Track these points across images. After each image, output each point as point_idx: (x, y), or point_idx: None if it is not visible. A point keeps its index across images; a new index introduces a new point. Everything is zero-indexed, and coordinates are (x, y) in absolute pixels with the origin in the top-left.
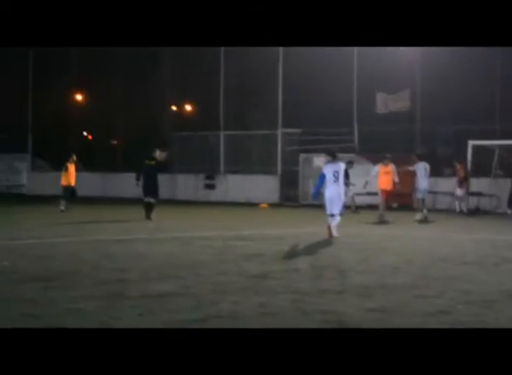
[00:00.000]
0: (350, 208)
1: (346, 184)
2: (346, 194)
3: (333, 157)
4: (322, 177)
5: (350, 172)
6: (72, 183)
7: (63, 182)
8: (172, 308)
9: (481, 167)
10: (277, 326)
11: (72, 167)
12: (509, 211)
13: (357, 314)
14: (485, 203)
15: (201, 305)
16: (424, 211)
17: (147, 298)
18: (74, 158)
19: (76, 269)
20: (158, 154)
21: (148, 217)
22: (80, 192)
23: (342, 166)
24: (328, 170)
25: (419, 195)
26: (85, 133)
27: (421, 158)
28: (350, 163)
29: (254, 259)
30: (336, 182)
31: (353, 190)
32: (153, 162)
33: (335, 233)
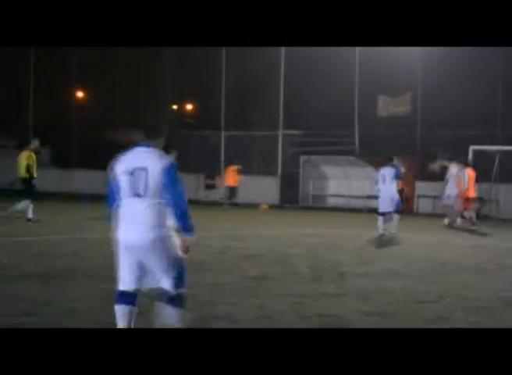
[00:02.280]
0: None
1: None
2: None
3: (390, 160)
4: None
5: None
6: None
7: None
8: None
9: (482, 172)
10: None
11: None
12: None
13: (356, 318)
14: (485, 208)
15: (199, 305)
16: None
17: (144, 297)
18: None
19: (75, 267)
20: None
21: None
22: (82, 190)
23: (391, 169)
24: (379, 173)
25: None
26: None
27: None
28: (237, 164)
29: (253, 260)
30: (384, 184)
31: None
32: None
33: (394, 230)
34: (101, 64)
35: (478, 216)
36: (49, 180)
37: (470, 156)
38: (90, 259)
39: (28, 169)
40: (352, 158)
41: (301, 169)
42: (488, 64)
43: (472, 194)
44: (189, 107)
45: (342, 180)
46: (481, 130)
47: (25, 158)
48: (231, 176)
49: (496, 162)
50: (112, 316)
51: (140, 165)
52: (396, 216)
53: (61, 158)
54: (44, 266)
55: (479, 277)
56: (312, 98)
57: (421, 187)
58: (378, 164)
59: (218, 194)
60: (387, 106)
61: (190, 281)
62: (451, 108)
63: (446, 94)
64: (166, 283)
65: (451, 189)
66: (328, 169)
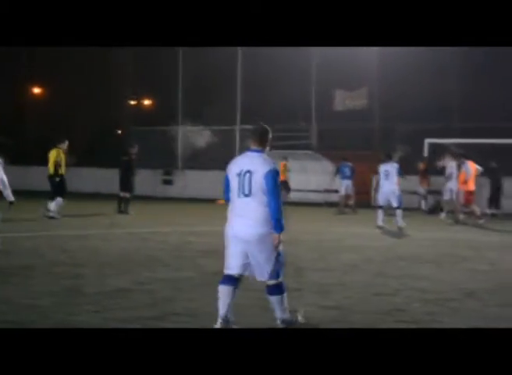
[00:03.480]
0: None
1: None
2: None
3: (389, 158)
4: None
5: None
6: None
7: None
8: (128, 305)
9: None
10: (236, 323)
11: None
12: (489, 211)
13: (315, 312)
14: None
15: (158, 302)
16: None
17: (104, 294)
18: None
19: (34, 264)
20: (134, 149)
21: (126, 212)
22: (39, 187)
23: (394, 165)
24: (381, 169)
25: (448, 196)
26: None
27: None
28: (284, 159)
29: (210, 256)
30: (387, 179)
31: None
32: (126, 158)
33: (402, 223)
34: (58, 59)
35: (436, 210)
36: (7, 176)
37: (425, 149)
38: (50, 256)
39: (56, 167)
40: (309, 152)
41: None
42: (444, 58)
43: (472, 187)
44: (147, 102)
45: (300, 174)
46: (437, 124)
47: (53, 156)
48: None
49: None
50: (74, 311)
51: (247, 168)
52: (399, 211)
53: (17, 155)
54: (1, 263)
55: (438, 270)
56: (269, 93)
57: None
58: (335, 158)
59: (175, 189)
60: (344, 100)
61: (148, 277)
62: (407, 102)
63: (403, 87)
64: (264, 275)
65: (452, 184)
66: (286, 164)
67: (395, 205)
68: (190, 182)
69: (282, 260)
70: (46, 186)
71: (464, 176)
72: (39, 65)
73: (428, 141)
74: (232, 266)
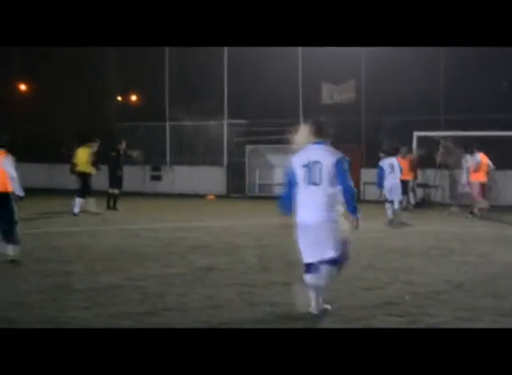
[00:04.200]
0: None
1: None
2: None
3: (387, 154)
4: (381, 170)
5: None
6: None
7: None
8: (118, 301)
9: (426, 158)
10: (224, 318)
11: None
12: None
13: (305, 305)
14: (430, 194)
15: (148, 297)
16: (457, 206)
17: (94, 290)
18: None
19: (22, 261)
20: (122, 145)
21: (114, 208)
22: (26, 184)
23: (395, 159)
24: (385, 164)
25: (463, 189)
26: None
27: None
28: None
29: (200, 251)
30: (392, 173)
31: None
32: (114, 154)
33: (390, 215)
34: (43, 55)
35: (423, 203)
36: None
37: (414, 142)
38: (38, 253)
39: (84, 164)
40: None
41: (247, 159)
42: (431, 51)
43: (484, 178)
44: (133, 98)
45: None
46: (424, 116)
47: (85, 154)
48: None
49: (440, 147)
50: (64, 308)
51: (314, 158)
52: (397, 204)
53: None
54: None
55: (427, 262)
56: (256, 87)
57: (367, 174)
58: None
59: (164, 185)
60: (331, 94)
61: (138, 273)
62: (395, 95)
63: (390, 80)
64: (328, 255)
65: (465, 177)
66: (274, 158)
67: (397, 198)
68: (179, 178)
69: (347, 245)
70: (32, 183)
71: (474, 167)
72: (24, 61)
73: (416, 133)
74: (310, 255)
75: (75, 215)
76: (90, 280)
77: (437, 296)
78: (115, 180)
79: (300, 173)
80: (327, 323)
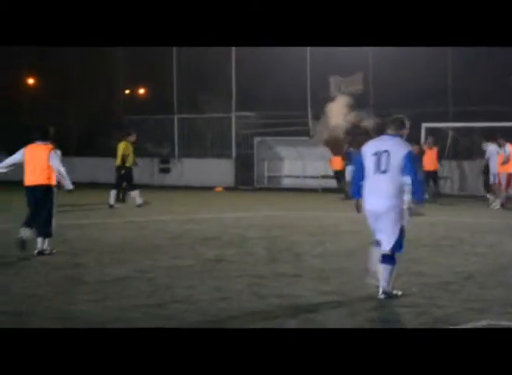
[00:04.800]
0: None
1: None
2: None
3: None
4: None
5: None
6: None
7: None
8: (128, 293)
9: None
10: (233, 310)
11: None
12: (489, 195)
13: (313, 297)
14: (439, 185)
15: (157, 289)
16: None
17: (103, 283)
18: None
19: (31, 254)
20: (133, 137)
21: (123, 200)
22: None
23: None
24: None
25: (492, 180)
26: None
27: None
28: None
29: (209, 243)
30: None
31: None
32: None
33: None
34: (51, 50)
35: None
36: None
37: (422, 134)
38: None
39: (123, 158)
40: (306, 138)
41: (255, 151)
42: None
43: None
44: (141, 91)
45: (296, 160)
46: (432, 108)
47: (122, 148)
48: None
49: (449, 139)
50: (73, 301)
51: (384, 148)
52: None
53: (11, 145)
54: (1, 254)
55: (436, 254)
56: (265, 80)
57: None
58: (331, 144)
59: (172, 178)
60: (339, 86)
61: (147, 265)
62: (403, 87)
63: (397, 72)
64: (386, 244)
65: (493, 168)
66: (283, 150)
67: None
68: (187, 170)
69: (403, 234)
70: None
71: (502, 158)
72: (32, 55)
73: (425, 125)
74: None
75: (111, 207)
76: (100, 272)
77: (446, 287)
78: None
79: (369, 161)
80: (336, 315)
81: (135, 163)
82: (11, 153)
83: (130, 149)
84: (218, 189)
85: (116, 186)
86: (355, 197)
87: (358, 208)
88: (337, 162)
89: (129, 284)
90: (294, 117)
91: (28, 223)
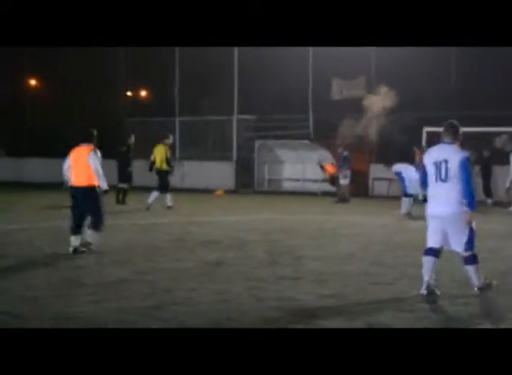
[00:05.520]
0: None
1: None
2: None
3: None
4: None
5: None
6: None
7: None
8: (127, 295)
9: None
10: (233, 312)
11: None
12: (489, 201)
13: (313, 300)
14: None
15: (157, 291)
16: None
17: (103, 284)
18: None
19: (32, 256)
20: (131, 140)
21: (123, 202)
22: (36, 178)
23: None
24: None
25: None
26: None
27: None
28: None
29: (209, 246)
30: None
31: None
32: (125, 149)
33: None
34: (53, 51)
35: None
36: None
37: (424, 138)
38: (48, 248)
39: (161, 161)
40: (307, 141)
41: (256, 154)
42: (442, 47)
43: None
44: (143, 93)
45: (297, 164)
46: (436, 112)
47: (162, 152)
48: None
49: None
50: (73, 303)
51: (443, 157)
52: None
53: (12, 147)
54: (0, 256)
55: None
56: (266, 82)
57: (376, 169)
58: (332, 147)
59: (173, 180)
60: (341, 89)
61: (147, 267)
62: (405, 91)
63: (400, 76)
64: (459, 247)
65: None
66: (283, 154)
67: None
68: (188, 173)
69: (473, 233)
70: (42, 178)
71: None
72: (34, 56)
73: (426, 129)
74: (434, 241)
75: (148, 208)
76: (100, 274)
77: (446, 291)
78: (125, 175)
79: (430, 170)
80: (336, 319)
81: (171, 166)
82: (11, 153)
83: (166, 152)
84: (219, 192)
85: (162, 189)
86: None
87: None
88: (331, 167)
89: (128, 286)
90: (295, 120)
91: (74, 230)
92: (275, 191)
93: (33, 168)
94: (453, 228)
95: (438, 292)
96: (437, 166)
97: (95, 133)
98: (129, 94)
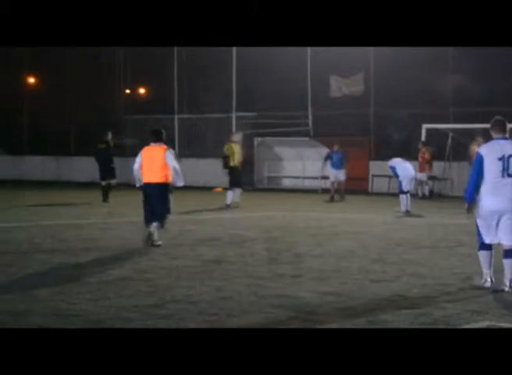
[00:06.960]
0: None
1: None
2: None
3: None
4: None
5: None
6: None
7: None
8: (127, 293)
9: (435, 151)
10: (233, 310)
11: None
12: None
13: (313, 298)
14: (439, 187)
15: (157, 289)
16: None
17: (103, 283)
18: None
19: (31, 254)
20: (109, 136)
21: (105, 200)
22: (34, 176)
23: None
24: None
25: None
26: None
27: None
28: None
29: (209, 244)
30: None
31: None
32: (104, 145)
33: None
34: (52, 49)
35: (432, 195)
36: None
37: (423, 135)
38: (47, 246)
39: (229, 159)
40: (306, 139)
41: (256, 151)
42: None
43: None
44: (141, 91)
45: (296, 161)
46: (433, 109)
47: (232, 150)
48: None
49: (449, 140)
50: (73, 300)
51: (509, 152)
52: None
53: (11, 144)
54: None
55: (435, 255)
56: (265, 80)
57: (375, 166)
58: (332, 144)
59: None
60: (340, 86)
61: (147, 266)
62: (403, 88)
63: (398, 73)
64: (507, 239)
65: None
66: (283, 151)
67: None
68: (187, 170)
69: None
70: (40, 176)
71: None
72: (33, 54)
73: (425, 126)
74: (489, 237)
75: (227, 206)
76: (99, 272)
77: (445, 288)
78: (109, 172)
79: (494, 165)
80: (336, 316)
81: (240, 163)
82: (10, 153)
83: (233, 150)
84: (218, 189)
85: (235, 185)
86: (472, 201)
87: (471, 210)
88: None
89: (128, 284)
90: (294, 118)
91: (148, 219)
92: (275, 189)
93: (29, 165)
94: (507, 221)
95: (505, 288)
96: (504, 161)
97: (164, 133)
98: (127, 91)
